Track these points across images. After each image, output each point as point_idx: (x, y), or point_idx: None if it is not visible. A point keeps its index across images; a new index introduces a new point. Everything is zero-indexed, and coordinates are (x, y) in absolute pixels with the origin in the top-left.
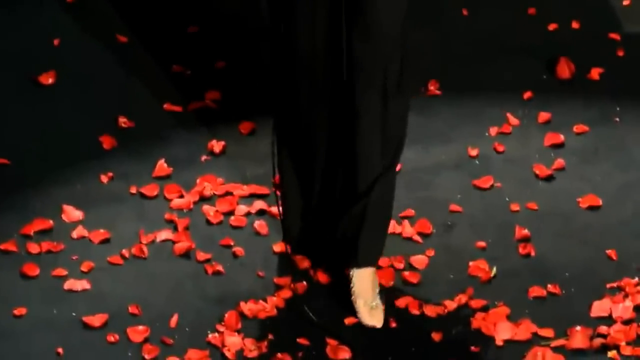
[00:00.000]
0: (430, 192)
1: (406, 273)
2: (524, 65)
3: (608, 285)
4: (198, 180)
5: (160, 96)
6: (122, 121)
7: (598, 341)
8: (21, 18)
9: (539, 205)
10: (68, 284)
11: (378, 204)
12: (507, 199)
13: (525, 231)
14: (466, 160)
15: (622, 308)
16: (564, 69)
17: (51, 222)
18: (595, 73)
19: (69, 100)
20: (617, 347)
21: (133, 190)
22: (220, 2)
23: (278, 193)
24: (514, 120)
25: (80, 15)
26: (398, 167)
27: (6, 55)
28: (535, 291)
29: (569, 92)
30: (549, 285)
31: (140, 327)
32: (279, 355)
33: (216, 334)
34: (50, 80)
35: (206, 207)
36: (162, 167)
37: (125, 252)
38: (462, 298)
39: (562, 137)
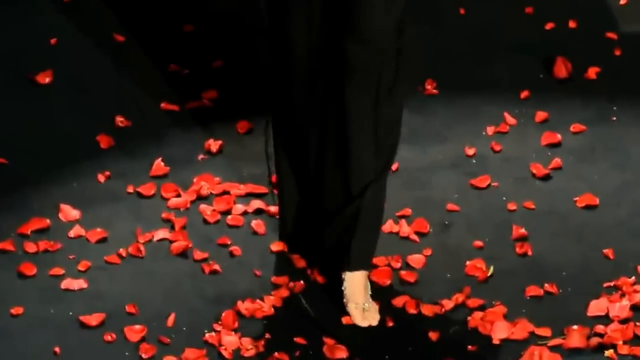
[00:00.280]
0: (427, 191)
1: (403, 272)
2: (521, 64)
3: (605, 285)
4: (195, 180)
5: (157, 95)
6: (119, 120)
7: (595, 340)
8: (17, 17)
9: (536, 204)
10: (65, 283)
11: (370, 207)
12: (504, 198)
13: (522, 230)
14: (463, 160)
15: (619, 307)
16: (561, 68)
17: (48, 221)
18: (592, 72)
19: (65, 100)
20: (614, 346)
21: (130, 189)
22: (216, 1)
23: (275, 192)
24: (511, 120)
25: (76, 15)
26: (395, 167)
27: (2, 54)
28: (532, 290)
29: (566, 92)
30: (545, 285)
31: (137, 327)
32: (276, 354)
33: (213, 333)
34: (47, 80)
35: (203, 207)
36: (159, 166)
37: (122, 251)
38: (459, 297)
39: (559, 137)
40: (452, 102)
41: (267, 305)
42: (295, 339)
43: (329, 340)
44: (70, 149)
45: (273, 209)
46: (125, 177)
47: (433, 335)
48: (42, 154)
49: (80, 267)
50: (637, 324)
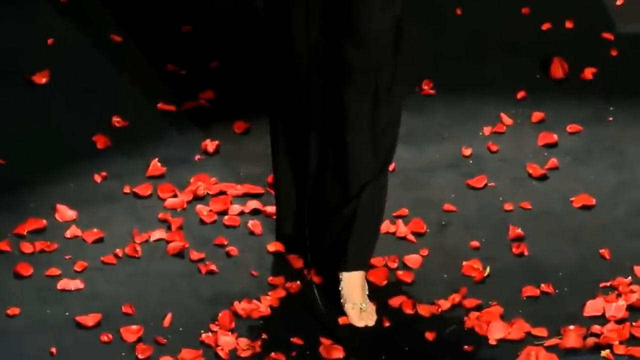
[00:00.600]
0: (424, 191)
1: (400, 272)
2: (517, 64)
3: (601, 285)
4: (192, 180)
5: (154, 96)
6: (116, 121)
7: (591, 340)
8: (14, 17)
9: (533, 204)
10: (61, 284)
11: (368, 207)
12: (500, 199)
13: (519, 231)
14: (460, 160)
15: (615, 307)
16: (558, 69)
17: (45, 221)
18: (588, 73)
19: (62, 100)
20: (610, 346)
21: (127, 189)
22: (214, 1)
23: (271, 191)
24: (507, 120)
25: (74, 15)
26: (392, 167)
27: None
28: (529, 291)
29: (562, 92)
30: (542, 285)
31: (134, 327)
32: (272, 354)
33: (210, 334)
34: (44, 80)
35: (200, 207)
36: (155, 166)
37: (118, 251)
38: (456, 297)
39: (555, 137)
40: (449, 103)
41: (263, 306)
42: (291, 339)
43: (325, 341)
44: (66, 149)
45: (270, 209)
46: (121, 177)
47: (430, 336)
48: (39, 154)
49: (77, 268)
50: (634, 324)
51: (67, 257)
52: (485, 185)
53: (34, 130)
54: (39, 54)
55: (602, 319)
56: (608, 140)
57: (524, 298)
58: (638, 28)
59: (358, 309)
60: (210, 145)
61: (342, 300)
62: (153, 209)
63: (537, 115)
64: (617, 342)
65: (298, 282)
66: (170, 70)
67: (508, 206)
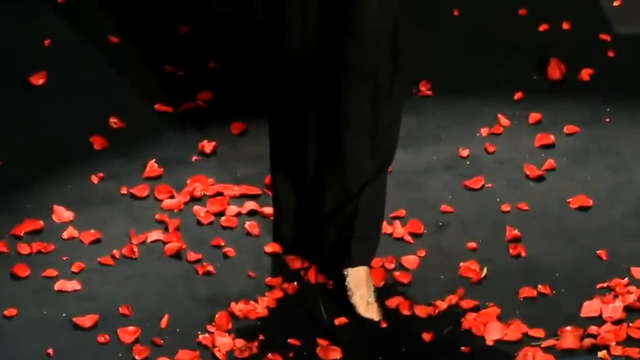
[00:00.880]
0: (421, 192)
1: (397, 273)
2: (514, 65)
3: (598, 286)
4: (189, 181)
5: (152, 97)
6: (113, 121)
7: (588, 341)
8: (11, 18)
9: (530, 205)
10: (58, 285)
11: (368, 206)
12: (497, 200)
13: (516, 232)
14: (457, 161)
15: (612, 308)
16: (555, 70)
17: (41, 222)
18: (585, 74)
19: (59, 101)
20: (607, 347)
21: (124, 190)
22: (211, 2)
23: (268, 192)
24: (504, 121)
25: (71, 16)
26: (389, 168)
27: None
28: (526, 291)
29: (559, 93)
30: (539, 286)
31: (131, 328)
32: (269, 355)
33: (207, 335)
34: (41, 81)
35: (197, 208)
36: (152, 167)
37: (115, 252)
38: (453, 298)
39: (552, 138)
40: (446, 104)
41: (260, 307)
42: (289, 340)
43: (322, 342)
44: (63, 150)
45: (267, 210)
46: (119, 178)
47: (426, 336)
48: (36, 155)
49: (74, 269)
50: (630, 325)
51: (64, 258)
52: (483, 186)
53: (31, 132)
54: (35, 55)
55: (599, 320)
56: (605, 141)
57: (521, 299)
58: (635, 29)
59: (365, 301)
60: (207, 146)
61: (348, 294)
62: (150, 210)
63: (534, 116)
64: (614, 343)
65: (295, 283)
66: (168, 71)
67: (505, 207)
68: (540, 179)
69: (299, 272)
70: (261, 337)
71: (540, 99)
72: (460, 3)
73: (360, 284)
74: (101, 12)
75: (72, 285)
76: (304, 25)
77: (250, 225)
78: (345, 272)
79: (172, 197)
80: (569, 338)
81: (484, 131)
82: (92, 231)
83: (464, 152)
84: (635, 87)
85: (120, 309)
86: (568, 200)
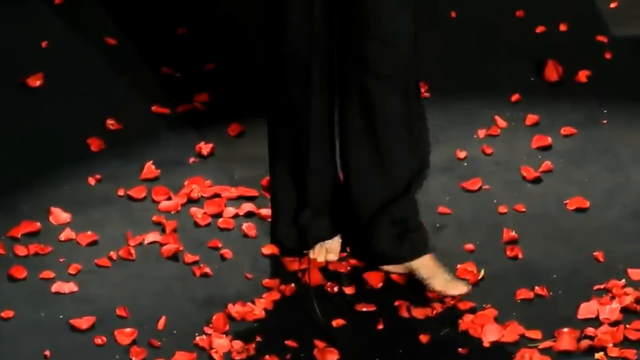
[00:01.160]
0: (418, 194)
1: (394, 275)
2: (511, 67)
3: (595, 287)
4: (186, 183)
5: (149, 98)
6: (110, 123)
7: (585, 343)
8: (8, 20)
9: (527, 207)
10: (55, 287)
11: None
12: (495, 201)
13: (513, 233)
14: (454, 163)
15: (609, 310)
16: (552, 72)
17: (39, 224)
18: (582, 75)
19: (56, 102)
20: (604, 349)
21: (121, 192)
22: (209, 4)
23: (266, 194)
24: (502, 123)
25: (68, 17)
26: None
27: None
28: (523, 293)
29: (556, 95)
30: (536, 287)
31: (128, 330)
32: (267, 357)
33: (204, 337)
34: (38, 83)
35: (194, 209)
36: (150, 169)
37: (112, 254)
38: (450, 300)
39: (549, 140)
40: (444, 106)
41: (258, 308)
42: (286, 342)
43: (320, 343)
44: (61, 152)
45: (264, 211)
46: (116, 180)
47: (424, 338)
48: (33, 156)
49: (71, 271)
50: (627, 326)
51: (61, 260)
52: (480, 188)
53: (28, 133)
54: (33, 57)
55: (596, 322)
56: (602, 142)
57: (518, 301)
58: (632, 31)
59: (446, 281)
60: (204, 147)
61: (426, 284)
62: (147, 211)
63: (531, 118)
64: (611, 345)
65: (292, 285)
66: (165, 72)
67: (502, 209)
68: (537, 180)
69: (296, 274)
70: (258, 338)
71: (538, 100)
72: (458, 5)
73: (432, 269)
74: (98, 14)
75: (69, 287)
76: (309, 22)
77: (248, 226)
78: (412, 266)
79: (169, 198)
80: (566, 340)
81: (481, 133)
82: (89, 233)
83: (461, 154)
84: (632, 89)
85: (117, 310)
86: (565, 201)
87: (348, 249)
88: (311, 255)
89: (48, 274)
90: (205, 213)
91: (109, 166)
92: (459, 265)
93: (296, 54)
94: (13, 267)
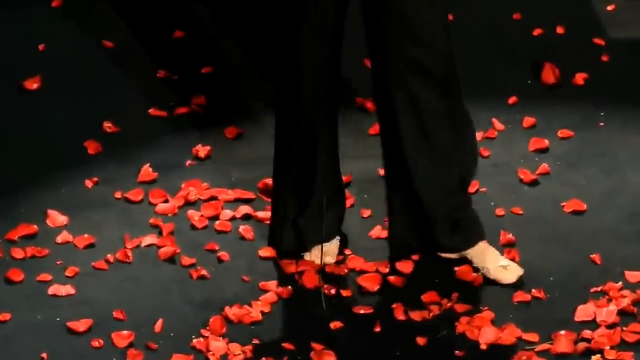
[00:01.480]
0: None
1: (392, 278)
2: (509, 70)
3: (592, 290)
4: (183, 185)
5: (146, 101)
6: (107, 126)
7: (582, 346)
8: (6, 23)
9: (524, 210)
10: (53, 289)
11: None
12: (492, 204)
13: (510, 236)
14: None
15: (606, 312)
16: (549, 74)
17: (36, 227)
18: (580, 78)
19: (54, 106)
20: (601, 352)
21: (118, 195)
22: (206, 7)
23: (263, 197)
24: (499, 125)
25: (65, 21)
26: (383, 172)
27: None
28: (520, 296)
29: (553, 98)
30: (533, 290)
31: (125, 332)
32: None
33: (201, 339)
34: (36, 86)
35: (191, 212)
36: (147, 172)
37: (110, 257)
38: (448, 303)
39: (546, 142)
40: None
41: (255, 311)
42: (283, 344)
43: (317, 346)
44: (58, 155)
45: (261, 214)
46: (113, 183)
47: (421, 341)
48: (30, 159)
49: (68, 273)
50: (625, 329)
51: (58, 263)
52: (477, 190)
53: (26, 136)
54: (30, 60)
55: (593, 324)
56: (599, 145)
57: (515, 303)
58: (629, 34)
59: (501, 267)
60: (201, 150)
61: (483, 271)
62: (144, 214)
63: (528, 121)
64: (608, 347)
65: (289, 288)
66: (162, 76)
67: (500, 211)
68: (534, 183)
69: (293, 277)
70: (255, 341)
71: (535, 103)
72: (455, 8)
73: (487, 256)
74: (96, 17)
75: (67, 289)
76: (322, 28)
77: (245, 229)
78: (468, 255)
79: (166, 201)
80: (564, 342)
81: (479, 135)
82: (87, 236)
83: None
84: (629, 92)
85: (114, 313)
86: (562, 204)
87: (346, 252)
88: (308, 258)
89: (45, 276)
90: (202, 216)
91: (106, 169)
92: (456, 268)
93: (310, 53)
94: (10, 270)
